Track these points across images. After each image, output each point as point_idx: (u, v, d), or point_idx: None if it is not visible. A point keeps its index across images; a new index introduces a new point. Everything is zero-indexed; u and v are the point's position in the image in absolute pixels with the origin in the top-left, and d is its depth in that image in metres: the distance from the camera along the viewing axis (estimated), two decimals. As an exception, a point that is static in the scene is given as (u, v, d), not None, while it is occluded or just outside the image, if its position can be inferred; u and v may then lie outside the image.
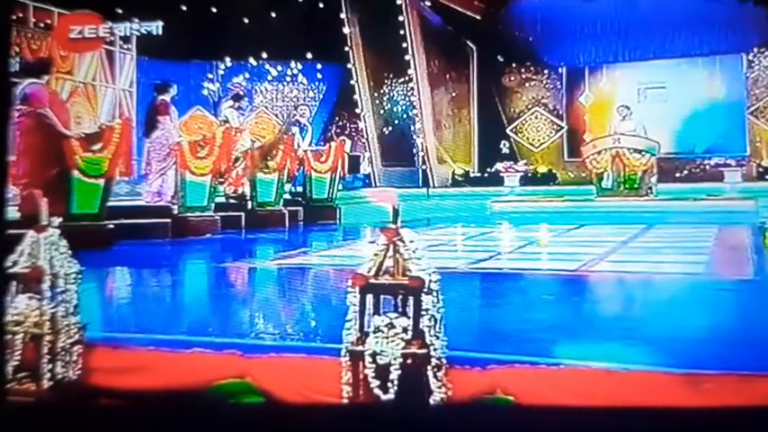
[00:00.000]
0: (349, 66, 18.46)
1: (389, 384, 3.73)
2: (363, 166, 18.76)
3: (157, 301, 6.58)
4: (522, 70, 20.40)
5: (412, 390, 3.73)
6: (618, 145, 15.49)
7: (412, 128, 18.91)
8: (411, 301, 3.84)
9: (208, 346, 4.50)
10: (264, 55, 18.64)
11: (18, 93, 10.08)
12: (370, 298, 3.86)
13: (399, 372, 3.72)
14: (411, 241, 3.90)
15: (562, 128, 20.16)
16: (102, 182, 9.97)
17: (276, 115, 18.77)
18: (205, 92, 18.38)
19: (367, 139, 18.51)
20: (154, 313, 5.84)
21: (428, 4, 18.96)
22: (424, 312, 3.76)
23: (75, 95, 15.00)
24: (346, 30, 18.23)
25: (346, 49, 18.34)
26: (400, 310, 3.89)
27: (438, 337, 3.79)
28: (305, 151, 14.77)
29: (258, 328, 5.13)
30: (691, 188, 15.82)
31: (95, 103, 15.87)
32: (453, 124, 20.08)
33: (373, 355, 3.77)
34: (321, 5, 17.56)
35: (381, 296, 3.91)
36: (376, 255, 3.90)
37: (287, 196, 13.96)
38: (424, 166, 18.77)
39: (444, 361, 3.80)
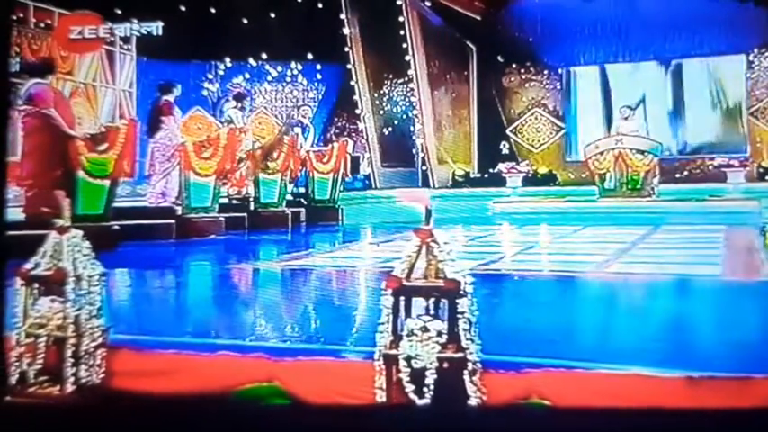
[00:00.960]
0: (349, 66, 18.36)
1: (425, 388, 3.67)
2: (363, 167, 18.71)
3: (175, 303, 6.49)
4: (522, 71, 20.31)
5: (448, 394, 3.67)
6: (620, 145, 15.40)
7: (412, 128, 18.82)
8: (445, 303, 3.78)
9: (233, 349, 4.43)
10: (264, 55, 18.52)
11: (23, 93, 10.02)
12: (403, 300, 3.80)
13: (435, 376, 3.66)
14: (445, 243, 3.84)
15: (562, 128, 20.09)
16: (107, 183, 9.91)
17: (276, 116, 18.65)
18: (204, 92, 18.27)
19: (367, 140, 18.41)
20: (172, 316, 5.76)
21: (428, 4, 18.86)
22: (459, 315, 3.70)
23: (76, 96, 14.88)
24: (346, 30, 18.12)
25: (346, 49, 18.23)
26: (432, 312, 3.83)
27: (473, 341, 3.73)
28: (307, 152, 14.68)
29: (284, 330, 5.03)
30: (692, 189, 15.71)
31: (95, 104, 15.77)
32: (453, 125, 19.99)
33: (408, 358, 3.71)
34: (320, 6, 17.44)
35: (413, 299, 3.85)
36: (409, 256, 3.84)
37: (288, 197, 13.88)
38: (424, 167, 18.68)
39: (479, 365, 3.74)
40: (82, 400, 4.21)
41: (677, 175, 17.72)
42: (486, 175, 19.05)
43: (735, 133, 18.59)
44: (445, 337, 3.72)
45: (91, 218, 9.67)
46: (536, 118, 20.26)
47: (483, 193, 17.10)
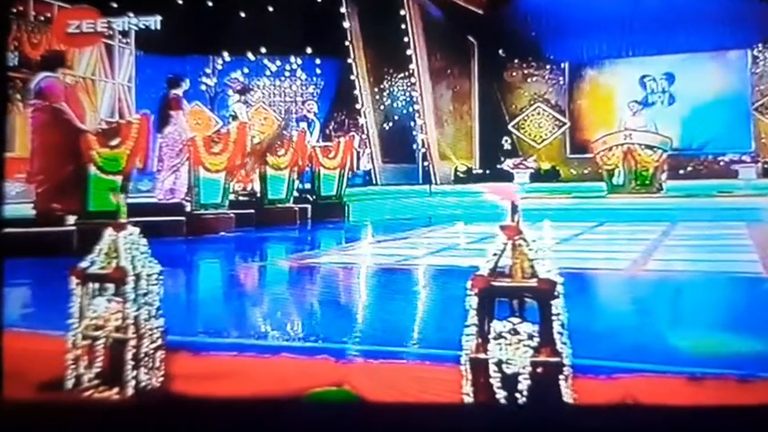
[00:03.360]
0: (349, 61, 18.21)
1: (518, 395, 3.46)
2: (363, 163, 18.56)
3: (225, 303, 6.27)
4: (524, 65, 20.18)
5: (544, 400, 3.46)
6: (629, 141, 15.24)
7: (413, 124, 18.65)
8: (531, 304, 3.58)
9: (297, 351, 4.22)
10: (263, 50, 18.31)
11: (32, 87, 9.80)
12: (490, 302, 3.59)
13: (529, 381, 3.45)
14: (534, 240, 3.63)
15: (564, 124, 19.95)
16: (119, 178, 9.68)
17: (275, 111, 18.43)
18: (203, 87, 18.03)
19: (367, 135, 18.27)
20: (224, 318, 5.53)
21: (430, -3, 18.74)
22: (554, 317, 3.49)
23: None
24: (346, 24, 17.96)
25: (346, 43, 18.08)
26: (517, 314, 3.62)
27: (566, 344, 3.52)
28: (313, 147, 14.46)
29: (349, 331, 4.80)
30: (703, 185, 15.57)
31: (95, 98, 15.57)
32: (455, 120, 19.82)
33: (499, 363, 3.50)
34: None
35: (496, 299, 3.64)
36: (495, 254, 3.63)
37: (294, 193, 13.67)
38: (425, 163, 18.51)
39: (571, 370, 3.53)
40: (142, 404, 3.99)
41: (679, 171, 17.55)
42: (487, 171, 18.89)
43: (740, 129, 18.46)
44: (537, 340, 3.50)
45: (103, 214, 9.45)
46: (538, 113, 20.11)
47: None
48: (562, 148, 20.02)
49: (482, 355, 3.54)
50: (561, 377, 3.46)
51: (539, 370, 3.46)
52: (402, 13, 18.13)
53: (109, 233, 4.13)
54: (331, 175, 14.35)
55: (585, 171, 18.39)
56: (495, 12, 19.23)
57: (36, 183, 9.57)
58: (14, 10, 13.15)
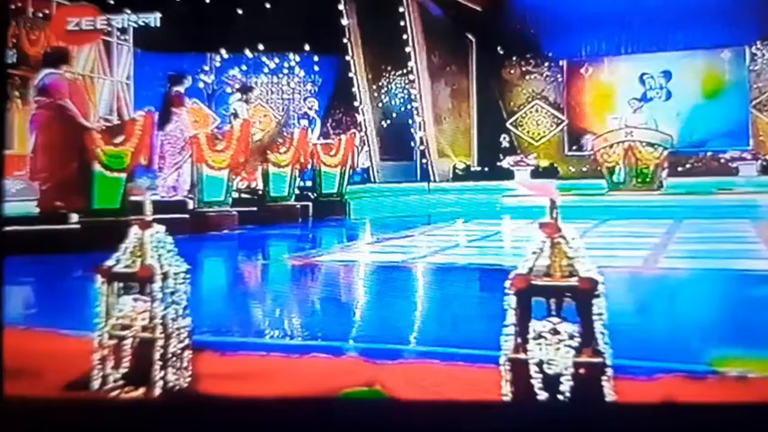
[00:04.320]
0: (347, 58, 18.13)
1: (560, 396, 3.40)
2: (361, 160, 18.48)
3: (251, 302, 6.19)
4: (523, 63, 20.11)
5: (586, 401, 3.40)
6: (630, 138, 15.19)
7: (411, 121, 18.59)
8: (570, 304, 3.52)
9: (326, 350, 4.15)
10: (261, 47, 18.19)
11: (36, 84, 9.72)
12: (529, 301, 3.53)
13: (572, 383, 3.40)
14: (573, 238, 3.57)
15: (563, 121, 19.90)
16: (124, 176, 9.63)
17: (273, 108, 18.37)
18: (201, 84, 17.91)
19: (365, 133, 18.18)
20: (250, 317, 5.47)
21: (428, -6, 18.66)
22: (596, 317, 3.43)
23: (74, 87, 14.57)
24: (345, 21, 17.89)
25: (345, 41, 18.00)
26: (554, 313, 3.56)
27: (608, 345, 3.47)
28: (314, 144, 14.40)
29: (379, 330, 4.74)
30: (703, 182, 15.53)
31: (93, 96, 15.42)
32: (453, 118, 19.76)
33: (540, 364, 3.44)
34: (319, -4, 17.19)
35: (533, 299, 3.58)
36: (534, 253, 3.57)
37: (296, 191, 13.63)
38: (424, 160, 18.46)
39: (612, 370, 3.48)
40: (170, 405, 3.93)
41: (678, 168, 17.50)
42: (485, 169, 18.86)
43: (737, 126, 18.42)
44: (578, 340, 3.45)
45: (107, 212, 9.41)
46: (536, 110, 20.05)
47: (488, 186, 16.81)
48: (560, 145, 19.95)
49: (522, 356, 3.48)
50: (604, 378, 3.41)
51: (581, 371, 3.40)
52: (401, 10, 18.07)
53: (134, 231, 4.06)
54: (332, 172, 14.30)
55: (584, 168, 18.36)
56: (494, 9, 19.14)
57: (40, 180, 9.47)
58: (13, 6, 13.04)
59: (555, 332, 3.47)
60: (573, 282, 3.48)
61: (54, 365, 4.24)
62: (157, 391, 3.90)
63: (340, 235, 12.14)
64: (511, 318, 3.52)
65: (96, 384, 3.95)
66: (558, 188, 3.77)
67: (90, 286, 7.19)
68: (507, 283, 3.52)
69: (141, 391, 3.93)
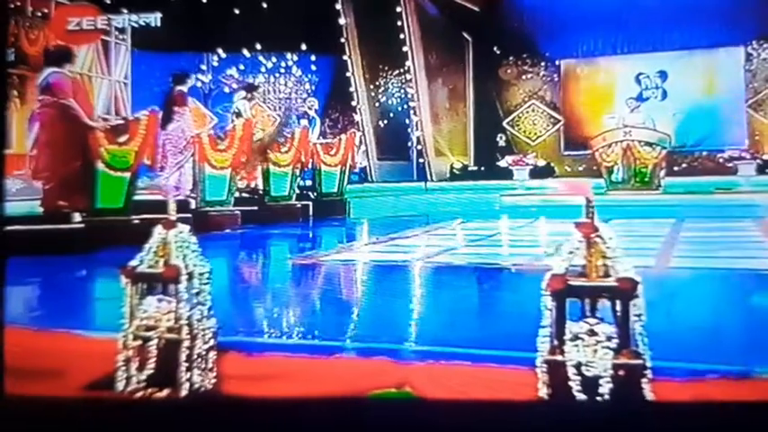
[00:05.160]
0: (345, 57, 18.11)
1: (599, 398, 3.36)
2: (358, 160, 18.44)
3: (278, 302, 6.13)
4: (519, 63, 20.15)
5: (626, 404, 3.36)
6: (629, 138, 15.17)
7: (408, 121, 18.58)
8: (611, 305, 3.47)
9: (353, 351, 4.10)
10: (258, 46, 18.15)
11: (39, 83, 9.63)
12: (566, 302, 3.48)
13: (611, 385, 3.35)
14: (610, 238, 3.53)
15: (559, 121, 19.91)
16: (128, 175, 9.55)
17: (270, 108, 18.30)
18: (198, 84, 17.84)
19: (363, 132, 18.16)
20: (275, 317, 5.41)
21: (425, -6, 18.65)
22: (636, 318, 3.38)
23: (72, 86, 14.48)
24: (342, 21, 17.87)
25: (342, 40, 17.98)
26: (588, 314, 3.52)
27: (647, 346, 3.42)
28: (314, 144, 14.37)
29: (406, 331, 4.69)
30: (701, 182, 15.54)
31: (92, 95, 15.34)
32: (450, 117, 19.76)
33: (578, 365, 3.40)
34: (316, -4, 17.14)
35: (567, 299, 3.53)
36: (571, 253, 3.53)
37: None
38: (421, 160, 18.46)
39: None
40: (195, 406, 3.88)
41: (675, 168, 17.50)
42: (482, 168, 18.87)
43: (734, 126, 18.45)
44: (615, 341, 3.40)
45: (111, 212, 9.35)
46: (533, 110, 20.07)
47: (486, 185, 16.78)
48: (557, 145, 19.97)
49: (558, 357, 3.43)
50: (644, 380, 3.37)
51: (621, 372, 3.36)
52: (398, 9, 18.09)
53: (158, 231, 4.00)
54: (332, 172, 14.28)
55: (580, 168, 18.39)
56: (491, 9, 19.19)
57: (42, 179, 9.39)
58: (12, 5, 12.98)
59: (592, 333, 3.43)
60: (611, 282, 3.43)
61: (64, 365, 4.20)
62: (183, 393, 3.84)
63: (350, 235, 12.11)
64: (547, 319, 3.47)
65: (120, 386, 3.89)
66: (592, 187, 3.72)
67: (91, 286, 7.20)
68: (543, 284, 3.47)
69: (166, 392, 3.87)
